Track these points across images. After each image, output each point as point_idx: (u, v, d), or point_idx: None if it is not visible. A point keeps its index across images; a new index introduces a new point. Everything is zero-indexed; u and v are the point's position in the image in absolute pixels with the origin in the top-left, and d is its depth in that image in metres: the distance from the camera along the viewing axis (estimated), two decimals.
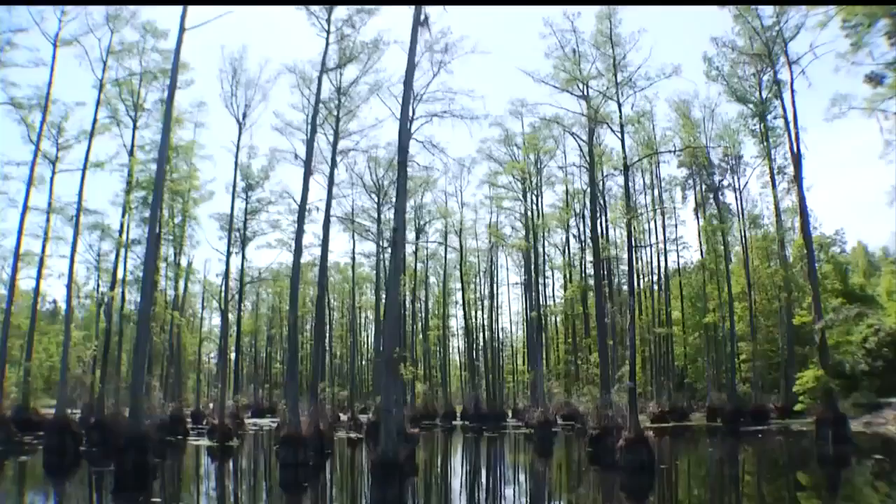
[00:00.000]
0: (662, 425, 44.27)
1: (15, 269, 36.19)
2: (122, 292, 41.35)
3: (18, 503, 17.43)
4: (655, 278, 62.84)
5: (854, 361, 42.69)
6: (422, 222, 65.41)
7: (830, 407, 28.50)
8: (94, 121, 37.17)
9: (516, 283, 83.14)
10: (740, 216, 53.57)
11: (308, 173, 30.51)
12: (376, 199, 52.57)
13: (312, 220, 41.30)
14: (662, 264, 61.50)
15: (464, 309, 69.68)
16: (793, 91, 33.98)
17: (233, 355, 58.31)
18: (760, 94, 43.73)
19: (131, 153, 39.75)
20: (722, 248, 52.52)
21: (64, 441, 28.57)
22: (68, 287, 34.19)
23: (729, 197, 55.77)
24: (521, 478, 25.45)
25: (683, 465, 27.10)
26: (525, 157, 54.11)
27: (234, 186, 42.59)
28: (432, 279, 75.55)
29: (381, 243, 51.97)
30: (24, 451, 27.95)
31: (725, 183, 54.15)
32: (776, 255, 50.89)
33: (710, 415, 48.09)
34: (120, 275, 40.79)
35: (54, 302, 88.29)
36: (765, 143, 45.64)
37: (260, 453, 34.65)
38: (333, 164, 34.38)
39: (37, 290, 37.62)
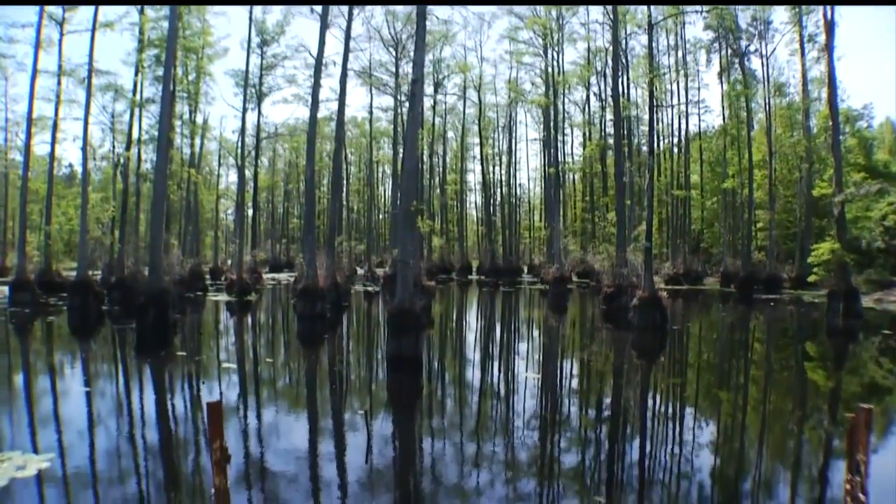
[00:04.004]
0: (676, 287, 44.89)
1: (29, 135, 35.81)
2: (138, 152, 41.15)
3: (48, 362, 18.00)
4: (676, 140, 61.91)
5: (871, 238, 42.30)
6: (440, 76, 64.20)
7: (843, 280, 28.44)
8: None
9: (535, 140, 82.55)
10: (765, 83, 51.82)
11: (324, 27, 29.70)
12: (394, 54, 51.40)
13: (329, 75, 40.59)
14: (683, 127, 60.51)
15: (482, 164, 69.61)
16: None
17: (250, 211, 58.74)
18: None
19: (142, 11, 38.39)
20: (745, 114, 51.38)
21: (86, 301, 29.21)
22: (84, 150, 33.84)
23: (755, 63, 54.24)
24: (535, 333, 26.00)
25: (695, 328, 27.53)
26: (547, 12, 52.18)
27: (249, 42, 42.11)
28: (450, 134, 75.13)
29: (398, 98, 51.14)
30: (49, 312, 28.62)
31: (752, 48, 52.22)
32: (800, 125, 49.71)
33: (723, 280, 48.63)
34: (135, 135, 40.70)
35: (70, 166, 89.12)
36: (796, 9, 43.62)
37: (278, 307, 35.49)
38: (350, 18, 33.26)
39: (52, 154, 37.31)
